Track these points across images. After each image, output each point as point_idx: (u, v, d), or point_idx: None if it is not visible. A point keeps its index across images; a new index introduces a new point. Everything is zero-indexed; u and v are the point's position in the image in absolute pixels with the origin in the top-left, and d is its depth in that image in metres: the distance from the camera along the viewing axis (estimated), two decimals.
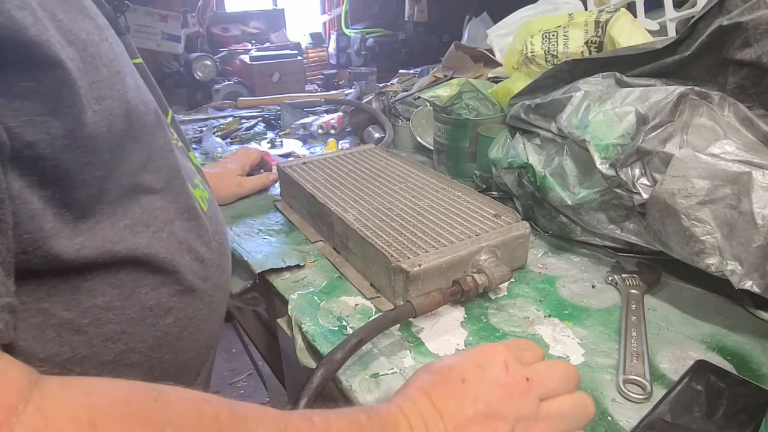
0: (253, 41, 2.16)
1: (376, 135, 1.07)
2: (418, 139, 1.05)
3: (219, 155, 1.08)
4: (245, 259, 0.68)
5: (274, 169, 0.92)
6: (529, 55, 0.83)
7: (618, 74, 0.65)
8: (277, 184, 0.88)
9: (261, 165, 0.94)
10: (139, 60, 0.48)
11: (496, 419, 0.34)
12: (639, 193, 0.54)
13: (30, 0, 0.28)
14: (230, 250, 0.52)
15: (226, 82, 1.80)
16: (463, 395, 0.35)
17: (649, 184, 0.54)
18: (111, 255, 0.34)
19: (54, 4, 0.30)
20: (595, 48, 0.79)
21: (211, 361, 0.49)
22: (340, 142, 1.15)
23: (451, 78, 1.14)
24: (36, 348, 0.31)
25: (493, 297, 0.58)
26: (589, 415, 0.37)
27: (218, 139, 1.16)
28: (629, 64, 0.65)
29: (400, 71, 1.60)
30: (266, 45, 2.13)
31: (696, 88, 0.55)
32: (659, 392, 0.43)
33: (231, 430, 0.28)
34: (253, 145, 1.15)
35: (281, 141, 1.15)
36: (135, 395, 0.26)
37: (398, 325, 0.53)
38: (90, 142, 0.31)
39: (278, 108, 1.39)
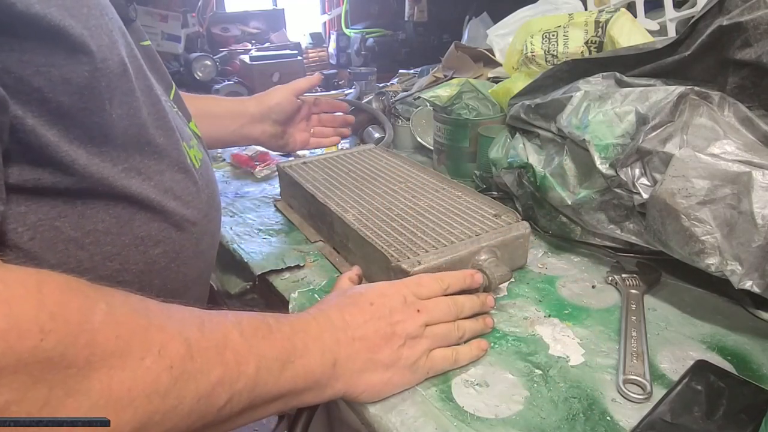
0: (253, 41, 2.16)
1: (376, 135, 1.07)
2: (418, 139, 1.05)
3: (219, 154, 1.08)
4: (245, 260, 0.68)
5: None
6: (529, 55, 0.83)
7: (618, 74, 0.65)
8: (277, 184, 0.88)
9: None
10: (148, 42, 0.55)
11: (393, 335, 0.44)
12: (639, 193, 0.54)
13: None
14: (220, 204, 0.57)
15: (226, 82, 1.79)
16: (369, 314, 0.44)
17: (649, 184, 0.54)
18: (110, 188, 0.40)
19: None
20: (595, 48, 0.79)
21: (200, 301, 0.56)
22: (340, 142, 1.15)
23: (451, 78, 1.14)
24: (49, 256, 0.38)
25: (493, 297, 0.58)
26: (456, 337, 0.48)
27: None
28: (629, 64, 0.65)
29: (400, 71, 1.60)
30: (266, 45, 2.13)
31: (696, 88, 0.55)
32: (659, 392, 0.43)
33: (156, 307, 0.35)
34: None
35: None
36: (76, 280, 0.32)
37: None
38: (86, 90, 0.37)
39: None
